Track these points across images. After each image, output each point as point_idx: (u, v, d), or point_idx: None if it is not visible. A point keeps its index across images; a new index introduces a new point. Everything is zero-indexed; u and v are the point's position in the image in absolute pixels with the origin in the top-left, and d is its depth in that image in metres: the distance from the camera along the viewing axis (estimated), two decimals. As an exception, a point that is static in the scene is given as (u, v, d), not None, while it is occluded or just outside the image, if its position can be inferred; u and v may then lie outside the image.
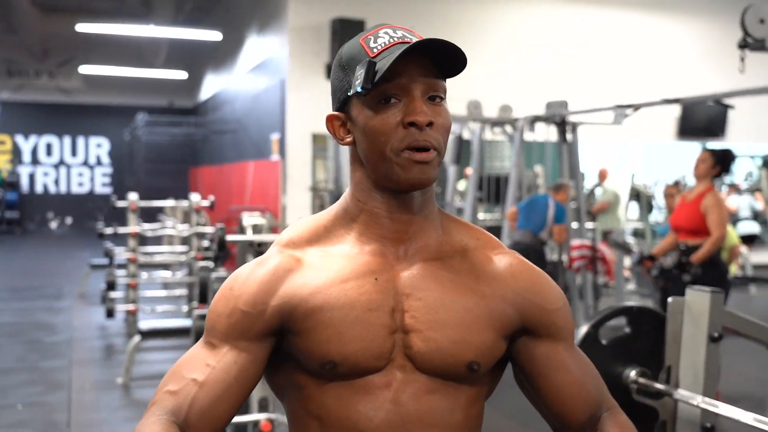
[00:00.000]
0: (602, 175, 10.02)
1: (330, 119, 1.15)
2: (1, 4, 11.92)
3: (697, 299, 2.08)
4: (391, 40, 1.08)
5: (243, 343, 1.11)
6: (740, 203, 11.01)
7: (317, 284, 1.11)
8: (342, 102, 1.12)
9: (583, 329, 2.11)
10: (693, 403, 2.00)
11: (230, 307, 1.12)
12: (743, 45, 3.53)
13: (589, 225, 6.56)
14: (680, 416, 2.09)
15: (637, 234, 11.29)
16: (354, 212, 1.15)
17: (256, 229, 3.32)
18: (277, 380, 1.18)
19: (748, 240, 10.42)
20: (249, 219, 3.30)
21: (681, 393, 2.05)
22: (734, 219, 10.35)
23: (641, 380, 2.09)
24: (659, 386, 2.07)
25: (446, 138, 1.10)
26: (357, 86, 1.06)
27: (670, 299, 2.14)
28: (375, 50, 1.08)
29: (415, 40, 1.08)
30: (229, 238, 3.27)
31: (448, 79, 1.11)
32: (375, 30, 1.11)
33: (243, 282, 1.14)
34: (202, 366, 1.11)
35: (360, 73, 1.05)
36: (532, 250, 5.98)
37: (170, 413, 1.08)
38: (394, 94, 1.07)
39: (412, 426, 1.09)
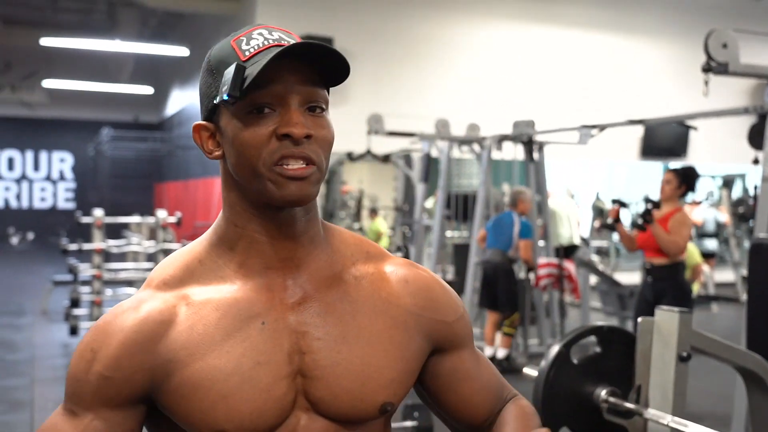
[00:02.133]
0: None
1: (197, 129, 1.01)
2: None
3: (666, 319, 2.11)
4: (266, 42, 0.96)
5: (108, 413, 0.96)
6: (706, 216, 11.21)
7: (195, 345, 0.96)
8: (210, 110, 0.99)
9: (555, 349, 2.13)
10: (663, 422, 2.03)
11: (91, 371, 0.96)
12: (707, 69, 3.60)
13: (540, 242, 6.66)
14: (650, 435, 2.12)
15: (601, 252, 11.41)
16: (231, 239, 1.01)
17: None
18: None
19: (709, 257, 10.60)
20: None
21: (651, 412, 2.07)
22: (700, 232, 10.52)
23: (612, 399, 2.11)
24: (629, 405, 2.10)
25: (328, 153, 0.99)
26: (224, 93, 0.93)
27: (639, 319, 2.17)
28: (247, 53, 0.95)
29: (293, 42, 0.97)
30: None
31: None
32: (249, 30, 0.99)
33: (105, 339, 0.97)
34: None
35: (227, 78, 0.93)
36: (502, 269, 6.08)
37: None
38: (268, 103, 0.95)
39: None
